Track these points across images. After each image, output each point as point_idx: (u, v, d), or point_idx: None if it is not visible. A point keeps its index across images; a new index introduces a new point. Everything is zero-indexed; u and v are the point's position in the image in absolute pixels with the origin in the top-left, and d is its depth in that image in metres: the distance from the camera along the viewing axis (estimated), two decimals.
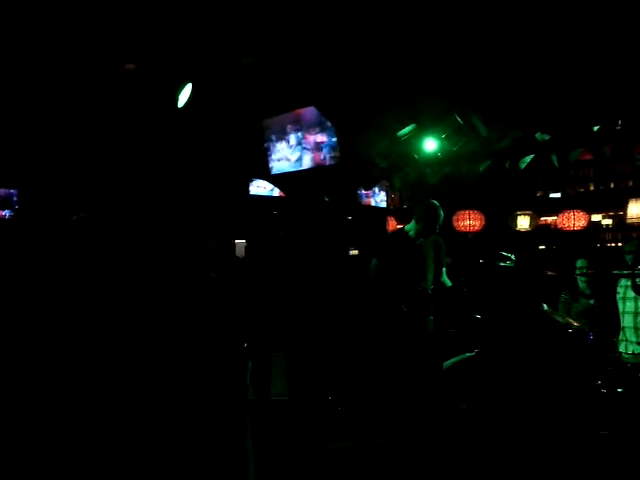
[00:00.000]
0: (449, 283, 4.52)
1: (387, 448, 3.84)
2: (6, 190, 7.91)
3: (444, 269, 4.49)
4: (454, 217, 9.06)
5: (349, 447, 3.92)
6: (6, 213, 8.14)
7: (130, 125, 4.78)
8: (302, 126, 6.71)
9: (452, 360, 4.43)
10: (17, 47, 4.47)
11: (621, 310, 5.08)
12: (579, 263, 5.76)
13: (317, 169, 6.80)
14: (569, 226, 8.25)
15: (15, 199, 7.94)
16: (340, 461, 3.69)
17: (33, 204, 7.35)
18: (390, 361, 4.24)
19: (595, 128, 5.29)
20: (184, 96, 5.19)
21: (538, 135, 5.28)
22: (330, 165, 6.60)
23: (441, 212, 4.37)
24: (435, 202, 4.43)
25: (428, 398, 4.09)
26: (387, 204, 10.58)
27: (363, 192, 9.56)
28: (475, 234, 8.89)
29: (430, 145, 5.83)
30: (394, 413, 4.13)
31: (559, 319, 4.60)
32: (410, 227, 4.43)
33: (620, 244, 8.54)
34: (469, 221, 8.88)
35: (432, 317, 4.33)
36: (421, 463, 3.57)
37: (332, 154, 6.55)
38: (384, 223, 9.24)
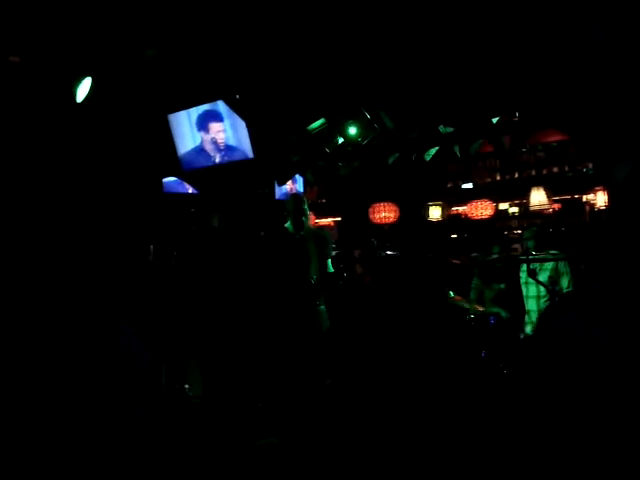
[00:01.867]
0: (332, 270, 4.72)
1: (309, 442, 3.86)
2: None
3: (329, 260, 4.67)
4: (370, 209, 9.24)
5: (274, 443, 3.91)
6: None
7: (20, 122, 4.53)
8: (212, 120, 6.59)
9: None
10: None
11: (525, 294, 5.36)
12: (495, 249, 6.05)
13: (230, 164, 6.71)
14: (477, 215, 8.61)
15: None
16: (267, 457, 3.68)
17: None
18: (284, 355, 4.32)
19: (494, 120, 5.52)
20: (83, 90, 4.98)
21: (441, 128, 5.45)
22: (242, 160, 6.53)
23: (305, 205, 4.57)
24: (299, 194, 4.69)
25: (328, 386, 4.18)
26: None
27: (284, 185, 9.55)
28: (391, 225, 9.11)
29: (340, 138, 5.90)
30: (298, 408, 4.16)
31: (464, 305, 4.78)
32: (288, 223, 4.63)
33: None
34: (384, 213, 9.08)
35: (323, 307, 4.48)
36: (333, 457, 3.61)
37: (244, 149, 6.48)
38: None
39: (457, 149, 5.77)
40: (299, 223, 4.54)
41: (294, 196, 4.77)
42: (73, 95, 4.82)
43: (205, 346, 4.81)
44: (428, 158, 6.04)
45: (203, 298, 4.90)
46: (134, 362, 1.04)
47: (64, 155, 4.97)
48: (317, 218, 10.21)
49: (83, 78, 4.86)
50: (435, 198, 9.37)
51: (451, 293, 5.07)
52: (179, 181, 7.99)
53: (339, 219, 10.75)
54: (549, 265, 5.11)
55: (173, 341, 4.83)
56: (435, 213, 9.23)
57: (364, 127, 5.61)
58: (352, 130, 5.64)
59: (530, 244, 5.27)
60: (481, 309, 5.06)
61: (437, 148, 5.97)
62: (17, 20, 4.10)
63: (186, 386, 4.84)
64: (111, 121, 5.64)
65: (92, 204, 5.39)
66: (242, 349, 4.74)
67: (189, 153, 6.87)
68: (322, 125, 5.86)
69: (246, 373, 4.70)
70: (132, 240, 6.33)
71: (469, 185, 9.98)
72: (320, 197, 11.00)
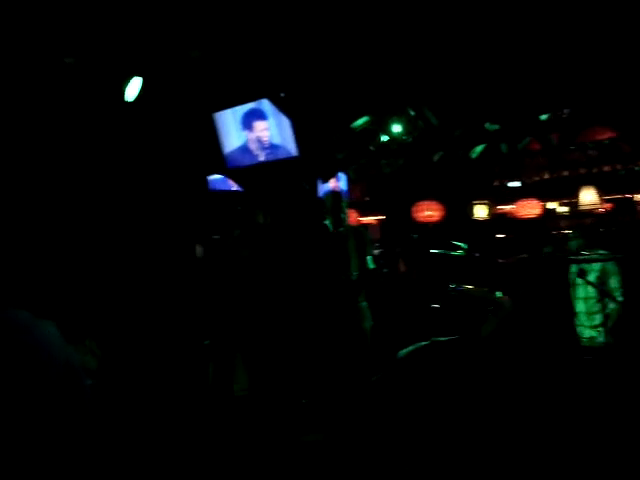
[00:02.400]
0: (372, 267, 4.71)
1: (354, 440, 3.87)
2: None
3: (369, 257, 4.66)
4: (414, 208, 9.15)
5: (320, 440, 3.94)
6: None
7: (75, 121, 4.68)
8: (257, 119, 6.64)
9: (408, 349, 4.47)
10: None
11: (574, 296, 5.19)
12: (548, 249, 5.91)
13: (274, 162, 6.76)
14: (525, 214, 8.42)
15: None
16: (313, 453, 3.72)
17: None
18: (326, 351, 4.33)
19: (543, 117, 5.39)
20: (132, 90, 5.10)
21: (488, 125, 5.35)
22: (287, 158, 6.57)
23: (343, 202, 4.57)
24: (337, 192, 4.70)
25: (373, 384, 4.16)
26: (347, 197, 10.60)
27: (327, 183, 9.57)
28: (435, 224, 9.00)
29: (384, 136, 5.87)
30: (343, 404, 4.16)
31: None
32: (328, 220, 4.64)
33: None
34: (428, 211, 8.98)
35: (365, 303, 4.48)
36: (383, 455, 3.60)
37: (288, 147, 6.51)
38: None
39: (504, 147, 5.65)
40: (338, 220, 4.55)
41: (333, 193, 4.77)
42: (122, 94, 4.94)
43: (251, 342, 4.86)
44: (474, 156, 5.93)
45: (248, 295, 4.95)
46: (48, 353, 1.00)
47: (114, 152, 5.11)
48: (360, 216, 10.18)
49: (132, 78, 4.98)
50: (481, 197, 9.21)
51: (498, 293, 4.96)
52: (224, 179, 8.10)
53: (382, 217, 10.69)
54: (597, 266, 4.95)
55: (219, 337, 4.89)
56: (480, 212, 9.07)
57: (409, 124, 5.57)
58: (397, 127, 5.60)
59: (576, 244, 5.11)
60: None
61: (483, 146, 5.86)
62: (71, 22, 4.23)
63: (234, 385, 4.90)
64: (159, 120, 5.76)
65: (140, 200, 5.52)
66: (286, 345, 4.77)
67: (234, 151, 6.95)
68: (366, 122, 5.85)
69: (290, 369, 4.73)
70: (178, 237, 6.46)
71: (516, 184, 9.77)
72: (364, 195, 10.96)
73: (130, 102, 4.98)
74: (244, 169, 7.08)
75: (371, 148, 5.93)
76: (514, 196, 9.11)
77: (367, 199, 11.00)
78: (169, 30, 4.88)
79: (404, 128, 5.57)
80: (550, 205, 9.26)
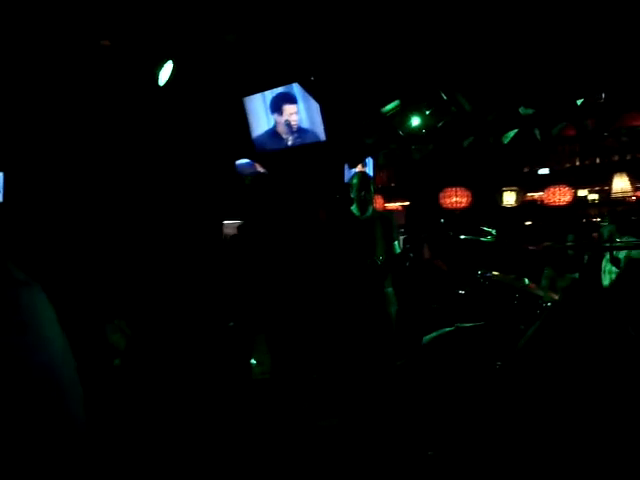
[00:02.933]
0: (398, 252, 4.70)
1: (369, 425, 3.90)
2: None
3: (396, 242, 4.65)
4: (441, 194, 9.08)
5: (334, 424, 3.98)
6: None
7: (109, 104, 4.74)
8: (286, 103, 6.66)
9: (432, 335, 4.47)
10: None
11: (605, 284, 5.13)
12: (569, 237, 5.82)
13: (302, 147, 6.77)
14: (555, 201, 8.28)
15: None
16: (328, 438, 3.76)
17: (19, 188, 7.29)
18: (350, 335, 4.36)
19: (578, 102, 5.28)
20: (165, 74, 5.14)
21: (521, 109, 5.26)
22: (315, 142, 6.57)
23: (371, 185, 4.57)
24: (365, 174, 4.67)
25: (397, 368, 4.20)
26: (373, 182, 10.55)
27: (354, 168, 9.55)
28: (462, 210, 8.92)
29: (415, 121, 5.81)
30: (364, 389, 4.20)
31: (539, 293, 4.64)
32: (354, 206, 4.62)
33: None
34: (456, 198, 8.90)
35: (391, 289, 4.48)
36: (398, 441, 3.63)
37: (317, 131, 6.52)
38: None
39: (537, 132, 5.55)
40: (364, 205, 4.55)
41: (360, 176, 4.74)
42: (156, 78, 4.99)
43: (276, 325, 4.92)
44: (506, 141, 5.84)
45: (272, 277, 5.00)
46: (33, 314, 0.99)
47: (147, 134, 5.18)
48: (386, 202, 10.14)
49: (165, 62, 5.02)
50: (510, 183, 9.08)
51: (526, 280, 4.93)
52: (251, 163, 8.15)
53: (408, 203, 10.63)
54: (622, 253, 4.87)
55: (242, 318, 4.96)
56: (509, 199, 8.95)
57: (440, 109, 5.51)
58: (427, 112, 5.55)
59: (608, 231, 5.04)
60: (557, 297, 4.90)
61: (516, 131, 5.77)
62: (107, 6, 4.28)
63: (253, 362, 4.97)
64: (190, 103, 5.81)
65: (169, 183, 5.60)
66: (311, 329, 4.81)
67: (262, 135, 6.99)
68: (396, 107, 5.80)
69: (315, 353, 4.78)
70: (205, 219, 6.53)
71: (546, 170, 9.60)
72: (390, 181, 10.90)
73: (162, 86, 5.03)
74: (272, 153, 7.11)
75: (401, 133, 5.88)
76: (544, 183, 8.96)
77: (393, 185, 10.93)
78: (203, 13, 4.89)
79: (435, 113, 5.52)
80: (581, 192, 9.08)
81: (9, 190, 7.73)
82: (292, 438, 3.76)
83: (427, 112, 5.66)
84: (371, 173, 8.42)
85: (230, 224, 7.27)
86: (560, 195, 8.26)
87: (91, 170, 4.93)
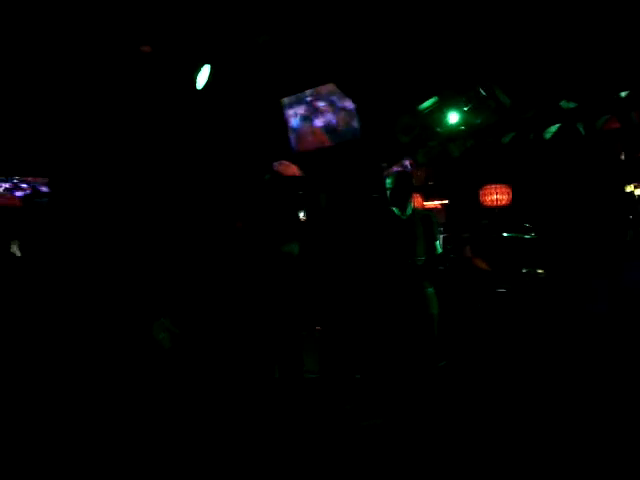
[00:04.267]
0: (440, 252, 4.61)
1: (412, 426, 3.86)
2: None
3: (437, 242, 4.56)
4: (481, 192, 8.92)
5: (378, 424, 3.96)
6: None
7: (151, 108, 4.83)
8: (322, 104, 6.65)
9: (473, 334, 4.40)
10: (43, 38, 4.53)
11: None
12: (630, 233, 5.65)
13: (338, 146, 6.75)
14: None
15: (45, 189, 8.10)
16: (371, 438, 3.74)
17: (64, 193, 7.49)
18: (395, 337, 4.31)
19: (623, 94, 5.11)
20: (202, 78, 5.21)
21: (563, 103, 5.12)
22: (352, 142, 6.55)
23: (410, 184, 4.47)
24: (405, 173, 4.56)
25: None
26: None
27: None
28: (502, 208, 8.74)
29: (453, 118, 5.73)
30: (407, 390, 4.15)
31: None
32: (393, 205, 4.55)
33: None
34: (496, 195, 8.72)
35: (432, 289, 4.41)
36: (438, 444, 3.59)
37: (353, 131, 6.49)
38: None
39: (581, 126, 5.39)
40: (404, 204, 4.49)
41: (400, 175, 4.66)
42: (194, 82, 5.06)
43: (321, 325, 4.91)
44: (548, 136, 5.70)
45: (317, 279, 4.99)
46: None
47: (188, 138, 5.25)
48: (425, 201, 10.03)
49: (202, 66, 5.08)
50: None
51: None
52: (287, 163, 8.18)
53: (447, 202, 10.48)
54: None
55: (288, 318, 4.96)
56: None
57: (479, 105, 5.41)
58: (465, 109, 5.46)
59: None
60: None
61: (558, 126, 5.62)
62: (146, 13, 4.36)
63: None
64: (227, 106, 5.87)
65: (209, 185, 5.66)
66: (354, 330, 4.79)
67: (299, 135, 6.99)
68: (434, 104, 5.73)
69: (356, 353, 4.76)
70: (243, 220, 6.57)
71: None
72: (428, 179, 10.77)
73: (200, 89, 5.10)
74: (308, 153, 7.11)
75: (439, 130, 5.80)
76: None
77: (431, 183, 10.80)
78: (237, 16, 4.94)
79: (474, 109, 5.42)
80: (628, 188, 8.79)
81: (55, 195, 7.95)
82: (335, 437, 3.75)
83: (465, 108, 5.57)
84: (409, 172, 8.34)
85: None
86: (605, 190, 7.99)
87: (137, 172, 5.03)
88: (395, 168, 7.77)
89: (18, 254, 5.86)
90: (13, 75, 4.96)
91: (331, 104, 6.57)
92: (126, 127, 4.61)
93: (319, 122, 6.72)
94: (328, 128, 6.71)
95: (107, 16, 4.06)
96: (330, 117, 6.65)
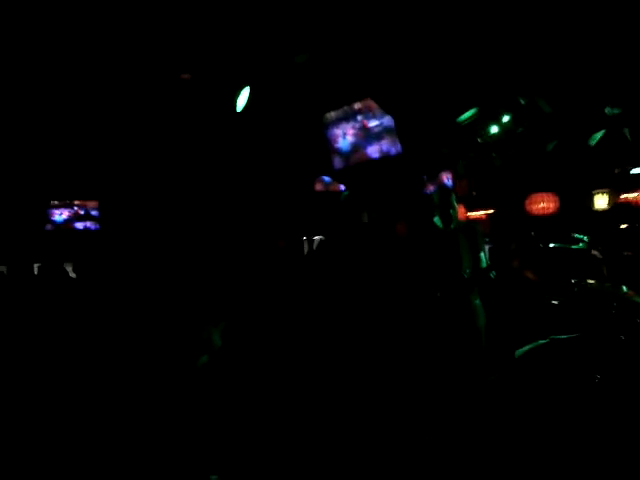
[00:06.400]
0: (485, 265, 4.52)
1: (463, 441, 3.80)
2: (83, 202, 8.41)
3: (482, 254, 4.47)
4: (527, 201, 8.75)
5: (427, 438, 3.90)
6: (87, 225, 8.64)
7: (193, 132, 4.97)
8: (361, 119, 6.68)
9: (525, 348, 4.30)
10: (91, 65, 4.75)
11: None
12: None
13: (379, 161, 6.76)
14: None
15: (94, 212, 8.41)
16: (420, 453, 3.70)
17: (113, 215, 7.76)
18: (443, 351, 4.24)
19: None
20: (242, 100, 5.33)
21: (607, 109, 4.99)
22: (390, 155, 6.55)
23: (453, 197, 4.43)
24: (446, 187, 4.50)
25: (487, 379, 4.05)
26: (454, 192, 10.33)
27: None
28: (549, 217, 8.55)
29: (493, 128, 5.68)
30: (458, 404, 4.08)
31: (639, 300, 4.35)
32: (437, 217, 4.49)
33: None
34: (543, 203, 8.54)
35: (479, 301, 4.32)
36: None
37: (391, 144, 6.50)
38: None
39: (627, 131, 5.24)
40: (447, 216, 4.44)
41: (441, 189, 4.66)
42: (234, 105, 5.18)
43: (361, 338, 4.90)
44: (593, 143, 5.56)
45: (356, 290, 4.99)
46: None
47: (231, 159, 5.38)
48: (468, 211, 9.91)
49: (242, 88, 5.20)
50: (600, 185, 8.61)
51: (624, 288, 4.64)
52: (329, 179, 8.24)
53: (492, 212, 10.33)
54: None
55: (326, 333, 4.98)
56: (601, 202, 8.49)
57: (519, 114, 5.34)
58: (507, 118, 5.39)
59: None
60: None
61: (603, 131, 5.48)
62: (181, 40, 4.51)
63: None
64: (268, 125, 5.98)
65: (255, 203, 5.76)
66: (399, 346, 4.75)
67: (340, 151, 7.05)
68: (474, 115, 5.68)
69: (404, 370, 4.71)
70: (290, 235, 6.66)
71: (638, 170, 9.03)
72: (471, 190, 10.65)
73: (241, 111, 5.22)
74: (349, 168, 7.15)
75: (479, 141, 5.75)
76: (638, 183, 8.44)
77: (474, 194, 10.66)
78: (273, 37, 5.04)
79: (514, 118, 5.35)
80: None
81: (105, 217, 8.24)
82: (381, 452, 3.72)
83: (506, 118, 5.51)
84: (450, 183, 8.27)
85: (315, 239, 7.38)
86: None
87: (188, 190, 5.19)
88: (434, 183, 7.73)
89: (73, 275, 6.10)
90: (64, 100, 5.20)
91: (370, 118, 6.59)
92: (172, 153, 4.77)
93: (373, 152, 6.66)
94: (368, 142, 6.73)
95: (148, 44, 4.23)
96: (369, 133, 6.66)
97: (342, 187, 7.97)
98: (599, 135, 5.52)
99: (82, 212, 8.75)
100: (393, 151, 6.38)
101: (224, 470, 3.49)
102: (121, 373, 4.47)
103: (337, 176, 7.58)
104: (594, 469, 3.23)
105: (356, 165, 6.95)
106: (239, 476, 3.48)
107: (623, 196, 8.85)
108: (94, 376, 4.47)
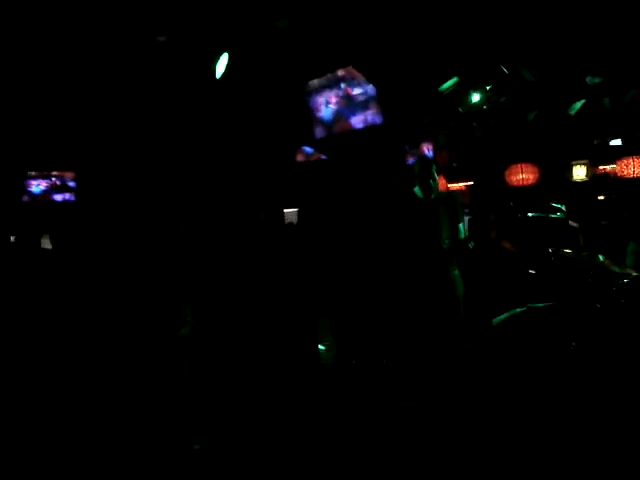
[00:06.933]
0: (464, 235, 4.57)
1: (448, 408, 3.87)
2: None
3: (461, 225, 4.51)
4: (506, 171, 8.78)
5: (413, 407, 3.97)
6: (65, 197, 8.46)
7: (169, 98, 4.86)
8: (345, 86, 6.58)
9: (502, 316, 4.36)
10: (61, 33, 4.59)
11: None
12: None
13: (360, 130, 6.69)
14: (629, 174, 7.83)
15: (71, 183, 8.23)
16: (411, 420, 3.76)
17: (91, 187, 7.60)
18: (421, 320, 4.29)
19: None
20: (221, 67, 5.21)
21: (588, 78, 4.98)
22: (373, 125, 6.48)
23: (433, 168, 4.46)
24: (426, 157, 4.53)
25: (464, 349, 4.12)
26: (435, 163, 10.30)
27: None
28: (529, 187, 8.59)
29: (474, 97, 5.64)
30: (436, 373, 4.14)
31: (615, 269, 4.42)
32: (417, 188, 4.51)
33: None
34: (522, 175, 8.57)
35: (457, 271, 4.37)
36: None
37: (375, 114, 6.42)
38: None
39: (607, 101, 5.25)
40: (428, 187, 4.45)
41: (422, 159, 4.66)
42: (213, 72, 5.06)
43: (341, 310, 4.92)
44: (573, 112, 5.56)
45: (337, 262, 4.99)
46: None
47: (207, 128, 5.28)
48: (449, 183, 9.92)
49: (221, 55, 5.08)
50: (579, 156, 8.67)
51: (600, 257, 4.71)
52: (310, 149, 8.16)
53: (471, 183, 10.36)
54: None
55: (306, 302, 4.98)
56: (580, 173, 8.56)
57: (501, 83, 5.31)
58: (488, 87, 5.36)
59: None
60: (635, 273, 4.65)
61: (583, 101, 5.48)
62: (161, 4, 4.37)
63: (320, 347, 4.99)
64: (248, 93, 5.86)
65: (235, 174, 5.68)
66: (378, 314, 4.78)
67: (320, 120, 6.95)
68: (455, 84, 5.64)
69: (382, 338, 4.75)
70: (269, 207, 6.60)
71: (618, 141, 9.09)
72: (451, 161, 10.64)
73: (219, 78, 5.10)
74: (330, 138, 7.07)
75: (460, 110, 5.72)
76: (617, 154, 8.50)
77: (455, 164, 10.66)
78: (253, 1, 4.91)
79: (496, 87, 5.32)
80: None
81: (82, 188, 8.08)
82: (370, 422, 3.78)
83: (488, 87, 5.47)
84: (430, 153, 8.25)
85: (291, 212, 7.32)
86: (635, 166, 7.80)
87: (165, 158, 5.09)
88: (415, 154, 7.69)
89: (49, 247, 6.00)
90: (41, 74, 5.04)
91: (351, 87, 6.48)
92: (145, 119, 4.67)
93: (357, 122, 6.54)
94: (349, 112, 6.64)
95: (123, 7, 4.10)
96: (351, 102, 6.56)
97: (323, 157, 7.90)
98: (579, 105, 5.53)
99: (59, 183, 8.57)
100: (377, 121, 6.31)
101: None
102: (98, 348, 4.44)
103: (319, 146, 7.50)
104: (569, 438, 3.31)
105: (339, 135, 6.87)
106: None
107: (601, 167, 8.93)
108: (69, 352, 4.42)
